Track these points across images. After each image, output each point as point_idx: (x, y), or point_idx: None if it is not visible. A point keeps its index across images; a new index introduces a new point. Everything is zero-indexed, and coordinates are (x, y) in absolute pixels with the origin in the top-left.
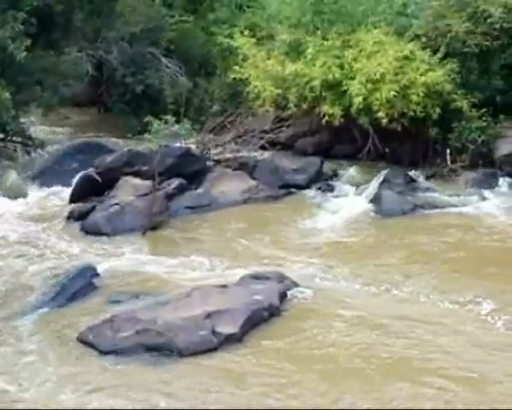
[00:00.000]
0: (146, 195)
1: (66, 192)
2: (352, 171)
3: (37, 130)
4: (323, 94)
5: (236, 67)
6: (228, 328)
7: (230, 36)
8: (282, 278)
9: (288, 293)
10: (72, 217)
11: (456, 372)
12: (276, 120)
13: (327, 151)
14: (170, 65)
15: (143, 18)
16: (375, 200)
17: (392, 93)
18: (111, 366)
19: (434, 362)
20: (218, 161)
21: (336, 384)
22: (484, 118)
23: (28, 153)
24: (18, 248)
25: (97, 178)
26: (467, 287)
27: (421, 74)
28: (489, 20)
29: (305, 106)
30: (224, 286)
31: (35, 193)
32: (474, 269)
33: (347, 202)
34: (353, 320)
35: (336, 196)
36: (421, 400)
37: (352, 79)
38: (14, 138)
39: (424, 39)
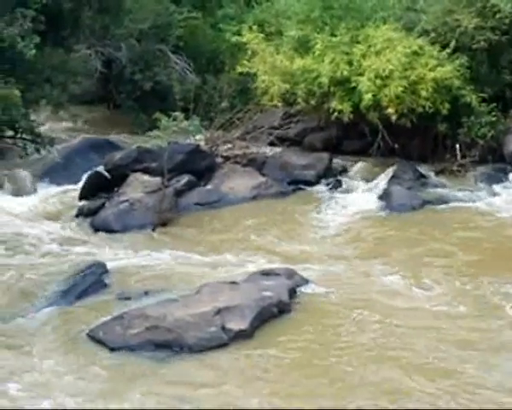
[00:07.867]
0: (155, 191)
1: (76, 189)
2: (361, 166)
3: (47, 127)
4: (332, 90)
5: (245, 62)
6: (238, 324)
7: (239, 32)
8: (291, 274)
9: (298, 289)
10: (81, 214)
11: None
12: (284, 115)
13: (336, 147)
14: (178, 61)
15: (152, 15)
16: (385, 195)
17: (401, 89)
18: (121, 363)
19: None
20: (227, 158)
21: (345, 383)
22: (493, 113)
23: (37, 150)
24: (27, 246)
25: (107, 175)
26: (485, 283)
27: (430, 70)
28: (498, 15)
29: (313, 102)
30: (234, 282)
31: (44, 190)
32: (492, 264)
33: (357, 198)
34: (364, 318)
35: (345, 192)
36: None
37: (361, 75)
38: (24, 136)
39: (433, 34)
